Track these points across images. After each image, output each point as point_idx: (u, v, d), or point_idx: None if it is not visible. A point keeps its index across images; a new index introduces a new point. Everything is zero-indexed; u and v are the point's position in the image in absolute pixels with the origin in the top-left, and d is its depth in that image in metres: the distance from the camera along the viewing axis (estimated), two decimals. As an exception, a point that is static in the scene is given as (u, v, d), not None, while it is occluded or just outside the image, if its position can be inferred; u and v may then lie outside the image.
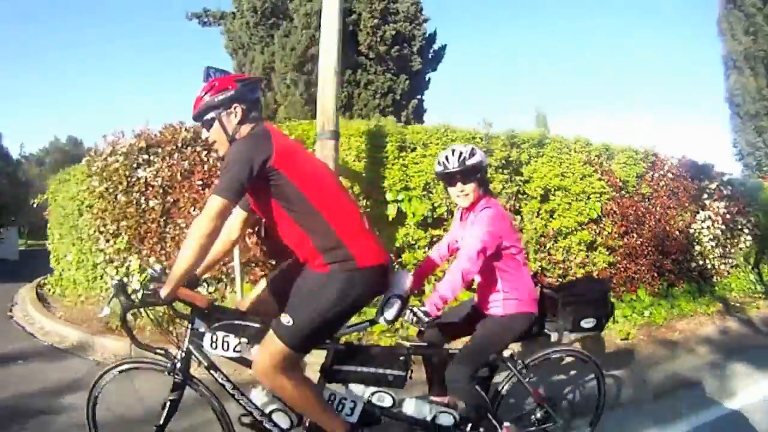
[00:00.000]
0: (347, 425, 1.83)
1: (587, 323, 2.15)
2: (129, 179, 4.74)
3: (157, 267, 1.87)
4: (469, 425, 2.01)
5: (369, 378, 1.89)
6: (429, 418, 1.96)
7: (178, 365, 1.83)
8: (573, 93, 54.83)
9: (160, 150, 4.71)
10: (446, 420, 1.99)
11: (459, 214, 2.26)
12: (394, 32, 11.87)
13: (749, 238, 7.62)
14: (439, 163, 2.20)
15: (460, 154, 2.11)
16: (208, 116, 1.82)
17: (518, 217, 5.44)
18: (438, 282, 2.13)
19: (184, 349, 1.84)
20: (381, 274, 1.82)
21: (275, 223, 1.80)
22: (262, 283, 1.98)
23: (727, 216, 7.24)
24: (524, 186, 5.47)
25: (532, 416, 2.20)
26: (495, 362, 2.12)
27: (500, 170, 5.32)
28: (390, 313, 1.85)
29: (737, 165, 17.06)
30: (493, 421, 2.00)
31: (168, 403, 1.83)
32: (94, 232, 4.98)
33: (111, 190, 4.81)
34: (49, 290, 6.55)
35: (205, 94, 1.82)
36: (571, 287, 2.31)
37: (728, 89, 16.90)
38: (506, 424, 2.04)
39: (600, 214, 5.91)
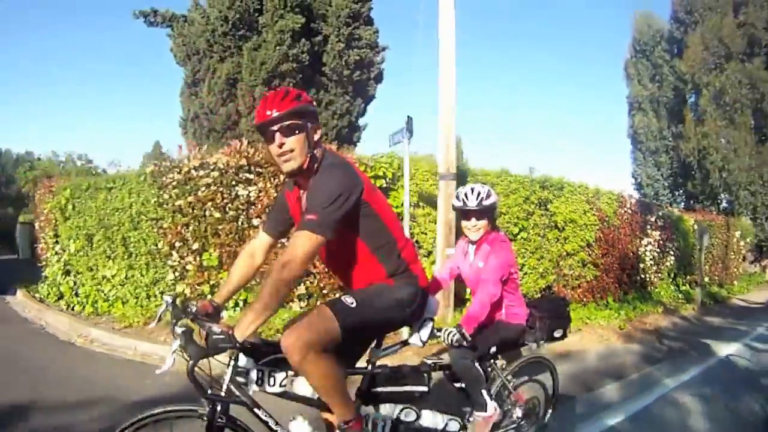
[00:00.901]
0: (358, 415, 1.85)
1: (558, 333, 2.64)
2: (224, 196, 4.95)
3: (168, 298, 1.76)
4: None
5: (400, 396, 2.01)
6: (441, 428, 2.20)
7: (219, 408, 1.68)
8: (488, 121, 61.70)
9: (262, 170, 5.03)
10: (454, 427, 2.25)
11: (464, 245, 2.63)
12: (357, 58, 12.83)
13: (673, 258, 10.49)
14: (458, 198, 2.54)
15: (479, 194, 2.45)
16: (293, 122, 1.69)
17: (543, 241, 6.99)
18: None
19: (225, 389, 1.70)
20: (427, 295, 1.97)
21: (340, 249, 1.78)
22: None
23: (660, 242, 9.95)
24: (551, 219, 7.08)
25: (514, 415, 2.56)
26: (488, 366, 2.48)
27: (539, 207, 6.84)
28: (425, 335, 2.00)
29: (635, 194, 21.60)
30: (485, 397, 2.32)
31: None
32: (163, 246, 5.00)
33: (198, 206, 4.92)
34: (51, 298, 6.39)
35: (298, 96, 1.74)
36: (541, 304, 2.75)
37: (632, 127, 21.53)
38: (494, 404, 2.36)
39: (592, 239, 7.81)
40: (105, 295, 5.97)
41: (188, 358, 1.57)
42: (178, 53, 13.59)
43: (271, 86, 12.20)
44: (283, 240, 2.05)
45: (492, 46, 64.63)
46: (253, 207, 5.13)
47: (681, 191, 20.07)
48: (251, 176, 5.19)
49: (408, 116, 4.88)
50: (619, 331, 6.77)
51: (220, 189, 5.12)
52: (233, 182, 5.14)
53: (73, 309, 6.23)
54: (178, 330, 1.59)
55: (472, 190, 2.48)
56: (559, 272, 7.66)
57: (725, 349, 5.78)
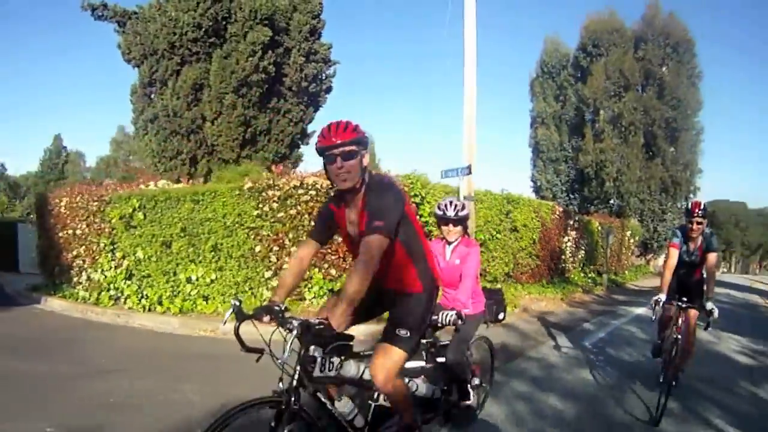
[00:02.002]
0: (416, 422, 2.47)
1: (501, 316, 3.61)
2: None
3: (237, 302, 2.15)
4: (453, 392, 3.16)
5: (407, 371, 2.65)
6: (431, 395, 2.89)
7: (293, 396, 1.99)
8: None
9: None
10: (438, 394, 2.96)
11: (440, 246, 3.37)
12: (314, 71, 15.00)
13: (583, 252, 14.37)
14: (439, 209, 3.31)
15: (456, 206, 3.26)
16: (352, 148, 2.19)
17: (507, 240, 10.32)
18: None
19: (296, 377, 2.03)
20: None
21: (385, 253, 2.19)
22: (331, 302, 2.51)
23: (576, 239, 13.72)
24: (511, 224, 10.19)
25: (473, 383, 3.33)
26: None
27: (505, 216, 9.91)
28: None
29: (533, 195, 26.28)
30: (470, 389, 3.27)
31: None
32: (261, 250, 6.86)
33: (297, 217, 6.82)
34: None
35: (356, 128, 2.24)
36: (487, 293, 3.56)
37: (534, 138, 26.26)
38: (473, 392, 3.28)
39: (536, 238, 11.09)
40: (186, 295, 7.27)
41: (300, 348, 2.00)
42: (133, 51, 14.17)
43: (239, 94, 13.82)
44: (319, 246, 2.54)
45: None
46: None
47: (576, 195, 24.95)
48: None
49: (469, 165, 7.91)
50: (562, 301, 10.16)
51: (317, 204, 6.73)
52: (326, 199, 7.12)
53: (150, 309, 7.27)
54: (297, 323, 1.95)
55: (451, 203, 3.28)
56: (516, 262, 10.86)
57: (636, 310, 9.50)
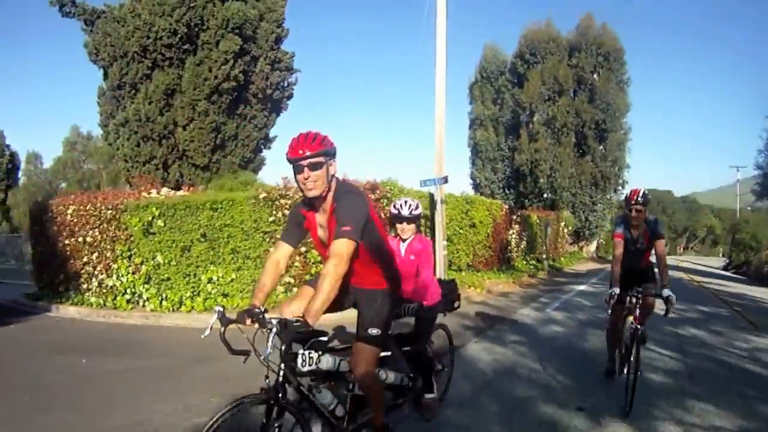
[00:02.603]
0: (386, 424, 2.87)
1: (456, 305, 3.99)
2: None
3: (220, 308, 2.36)
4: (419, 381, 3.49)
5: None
6: (399, 382, 3.25)
7: (280, 391, 2.26)
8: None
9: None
10: (405, 381, 3.32)
11: (395, 243, 3.61)
12: (279, 79, 16.27)
13: (525, 242, 16.86)
14: (394, 207, 3.62)
15: (410, 206, 3.58)
16: (319, 160, 2.43)
17: (467, 234, 12.21)
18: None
19: (281, 373, 2.28)
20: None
21: (353, 254, 2.45)
22: (305, 290, 2.77)
23: (519, 232, 16.15)
24: (470, 221, 12.24)
25: (435, 368, 3.73)
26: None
27: (465, 214, 11.91)
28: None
29: (471, 191, 28.53)
30: (434, 381, 3.59)
31: (281, 428, 2.26)
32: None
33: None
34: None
35: (323, 140, 2.48)
36: (443, 285, 3.90)
37: (473, 139, 28.82)
38: (436, 385, 3.61)
39: (489, 232, 13.26)
40: (207, 293, 8.28)
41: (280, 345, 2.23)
42: (101, 52, 14.62)
43: (211, 101, 14.78)
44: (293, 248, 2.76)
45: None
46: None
47: (512, 191, 27.60)
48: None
49: (446, 176, 9.57)
50: (514, 284, 12.36)
51: None
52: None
53: (173, 310, 8.19)
54: (277, 320, 2.20)
55: (405, 202, 3.58)
56: (474, 253, 12.93)
57: (578, 287, 12.13)
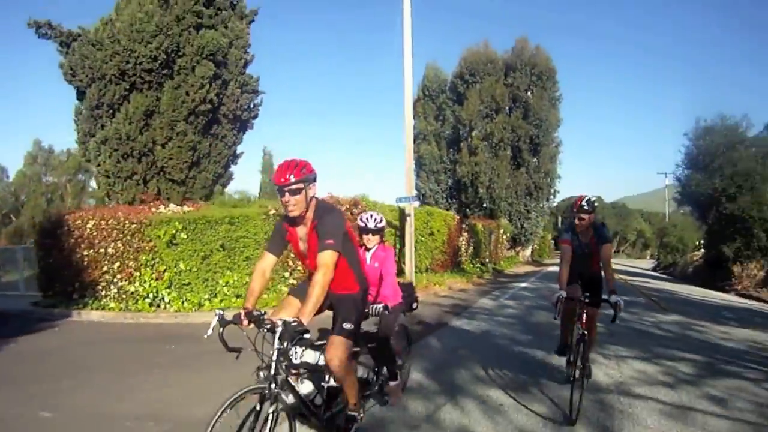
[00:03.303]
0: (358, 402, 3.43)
1: (414, 306, 4.61)
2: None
3: (220, 312, 2.86)
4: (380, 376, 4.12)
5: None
6: (365, 377, 3.93)
7: (274, 382, 2.72)
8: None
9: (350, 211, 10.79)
10: (371, 376, 4.05)
11: (361, 252, 4.05)
12: (247, 101, 18.20)
13: (472, 248, 19.88)
14: (361, 220, 4.27)
15: (375, 219, 4.25)
16: (299, 186, 3.00)
17: (428, 241, 14.89)
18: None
19: (275, 367, 2.73)
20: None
21: None
22: (289, 300, 3.31)
23: (468, 238, 19.19)
24: (430, 230, 15.00)
25: (398, 362, 4.33)
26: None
27: (426, 224, 14.65)
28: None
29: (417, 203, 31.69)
30: (396, 370, 4.23)
31: (275, 415, 2.71)
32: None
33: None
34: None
35: (303, 168, 3.04)
36: (402, 287, 4.48)
37: (417, 153, 31.54)
38: (399, 361, 4.34)
39: (445, 240, 16.12)
40: (223, 295, 9.99)
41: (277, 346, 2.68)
42: (79, 74, 15.81)
43: (188, 122, 16.30)
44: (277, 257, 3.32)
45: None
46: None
47: (454, 201, 30.75)
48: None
49: (417, 195, 11.77)
50: (468, 282, 15.12)
51: None
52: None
53: (196, 310, 9.77)
54: (284, 320, 2.68)
55: (371, 216, 4.24)
56: (433, 257, 15.60)
57: (521, 284, 15.23)
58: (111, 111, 16.35)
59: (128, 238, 10.60)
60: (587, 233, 4.61)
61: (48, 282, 11.82)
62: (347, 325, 3.21)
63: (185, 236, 10.37)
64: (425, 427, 3.84)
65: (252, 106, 19.01)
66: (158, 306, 10.33)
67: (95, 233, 10.85)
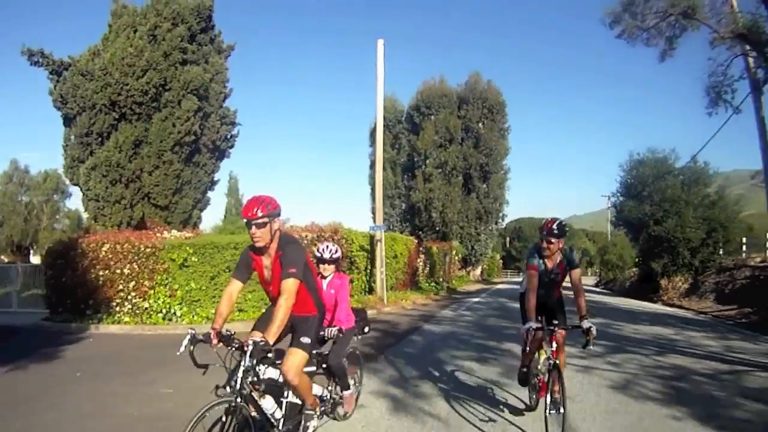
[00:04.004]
0: (315, 398, 4.08)
1: (366, 330, 4.98)
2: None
3: (192, 330, 3.31)
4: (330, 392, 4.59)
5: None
6: (320, 394, 4.38)
7: (239, 396, 3.17)
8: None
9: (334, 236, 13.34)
10: (326, 394, 4.50)
11: (318, 280, 4.34)
12: (226, 132, 20.50)
13: (428, 268, 22.99)
14: (318, 251, 4.69)
15: (330, 250, 4.68)
16: (264, 220, 3.51)
17: (392, 263, 17.80)
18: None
19: (240, 383, 3.18)
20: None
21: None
22: (255, 333, 3.56)
23: (425, 260, 22.29)
24: (395, 253, 17.95)
25: (352, 380, 4.88)
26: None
27: (391, 248, 17.62)
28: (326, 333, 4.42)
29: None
30: (349, 381, 4.73)
31: (240, 427, 3.17)
32: None
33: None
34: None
35: (269, 204, 3.56)
36: (355, 312, 4.93)
37: (374, 178, 34.16)
38: (351, 381, 4.82)
39: (406, 261, 19.13)
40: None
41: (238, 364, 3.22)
42: (69, 102, 17.95)
43: (174, 151, 18.35)
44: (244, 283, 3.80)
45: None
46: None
47: (408, 224, 33.78)
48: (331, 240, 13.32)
49: (385, 226, 14.46)
50: (428, 299, 18.02)
51: (308, 247, 12.41)
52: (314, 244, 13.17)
53: (206, 322, 11.08)
54: (257, 344, 3.17)
55: (327, 247, 4.71)
56: (396, 277, 18.38)
57: (474, 299, 18.26)
58: (100, 138, 18.51)
59: (143, 260, 12.32)
60: (555, 258, 4.58)
61: (58, 299, 13.27)
62: (304, 339, 3.76)
63: (196, 259, 12.37)
64: (422, 384, 6.27)
65: (229, 136, 21.64)
66: (170, 320, 12.35)
67: (111, 256, 12.46)
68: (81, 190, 18.73)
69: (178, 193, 19.02)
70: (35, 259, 34.61)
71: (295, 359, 3.68)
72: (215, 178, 21.25)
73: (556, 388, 4.12)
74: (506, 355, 7.90)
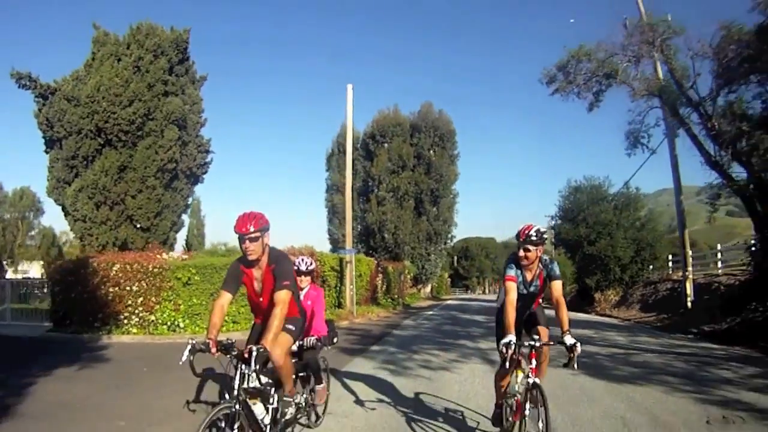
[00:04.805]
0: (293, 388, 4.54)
1: (335, 340, 5.43)
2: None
3: (192, 341, 3.63)
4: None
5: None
6: (297, 401, 4.76)
7: (238, 402, 3.50)
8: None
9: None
10: (300, 399, 4.88)
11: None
12: (202, 160, 23.10)
13: (385, 286, 26.46)
14: (295, 264, 4.98)
15: (306, 262, 5.25)
16: (257, 235, 3.90)
17: (358, 282, 21.17)
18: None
19: (238, 388, 3.53)
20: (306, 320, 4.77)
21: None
22: (255, 332, 4.37)
23: (382, 279, 25.82)
24: (360, 272, 21.35)
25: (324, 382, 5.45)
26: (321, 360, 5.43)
27: (357, 268, 21.02)
28: (306, 342, 4.97)
29: (328, 245, 37.63)
30: (322, 377, 5.34)
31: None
32: None
33: None
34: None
35: (260, 219, 3.94)
36: (326, 323, 5.49)
37: (330, 201, 37.89)
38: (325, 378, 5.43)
39: (368, 280, 22.59)
40: (224, 321, 14.69)
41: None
42: (56, 126, 20.01)
43: (156, 177, 20.65)
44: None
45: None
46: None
47: (363, 245, 36.47)
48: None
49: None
50: (388, 313, 21.37)
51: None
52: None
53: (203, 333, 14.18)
54: (259, 349, 3.60)
55: (303, 260, 5.28)
56: (361, 294, 21.57)
57: (428, 313, 21.90)
58: (85, 162, 20.50)
59: (151, 279, 14.38)
60: (533, 269, 4.41)
61: (66, 313, 14.91)
62: (290, 326, 4.24)
63: (198, 278, 14.82)
64: (406, 362, 9.26)
65: (203, 163, 24.08)
66: (174, 330, 14.83)
67: (121, 274, 14.40)
68: (68, 210, 20.45)
69: (158, 216, 21.00)
70: (11, 275, 35.25)
71: (282, 340, 4.11)
72: (189, 201, 23.50)
73: (545, 413, 3.80)
74: (460, 347, 11.14)
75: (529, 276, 4.49)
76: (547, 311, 4.89)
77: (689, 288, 19.11)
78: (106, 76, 20.37)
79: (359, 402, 6.31)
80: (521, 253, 4.34)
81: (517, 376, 4.30)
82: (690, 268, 19.72)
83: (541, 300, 4.81)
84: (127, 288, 14.59)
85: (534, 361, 4.05)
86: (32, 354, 11.35)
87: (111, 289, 14.54)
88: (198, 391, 5.71)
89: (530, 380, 3.99)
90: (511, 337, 4.05)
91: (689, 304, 18.76)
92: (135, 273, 14.81)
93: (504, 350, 4.01)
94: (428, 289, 41.89)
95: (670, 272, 26.00)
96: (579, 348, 3.98)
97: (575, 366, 4.04)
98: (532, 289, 4.53)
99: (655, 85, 16.31)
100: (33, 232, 35.27)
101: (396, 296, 27.63)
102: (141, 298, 14.54)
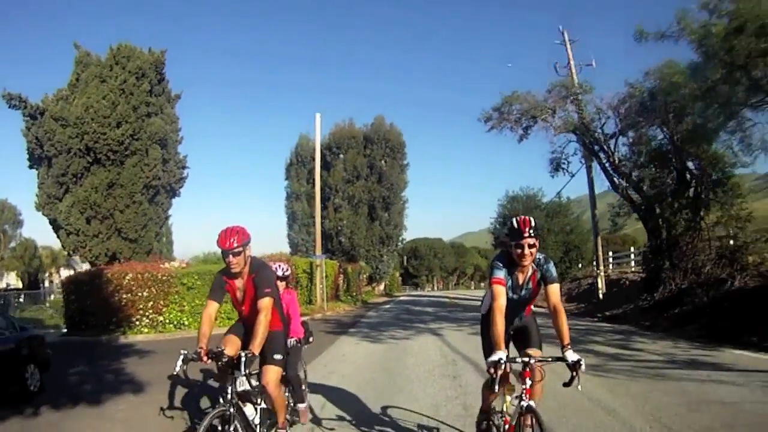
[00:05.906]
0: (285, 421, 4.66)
1: (311, 339, 6.02)
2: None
3: (185, 351, 3.81)
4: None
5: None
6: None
7: (232, 405, 3.80)
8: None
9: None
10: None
11: None
12: (180, 175, 26.52)
13: (346, 285, 31.08)
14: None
15: (282, 268, 5.60)
16: (240, 249, 4.12)
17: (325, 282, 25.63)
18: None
19: (231, 392, 3.87)
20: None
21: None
22: (230, 339, 4.52)
23: (344, 278, 30.40)
24: (327, 274, 25.88)
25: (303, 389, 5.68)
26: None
27: (325, 271, 25.54)
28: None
29: (288, 249, 41.09)
30: (303, 395, 5.58)
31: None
32: None
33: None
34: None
35: (242, 234, 4.18)
36: (301, 324, 5.77)
37: (290, 209, 41.64)
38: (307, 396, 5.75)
39: (334, 279, 27.20)
40: (221, 319, 14.82)
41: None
42: (45, 146, 22.55)
43: (142, 192, 24.02)
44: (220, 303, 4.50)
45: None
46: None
47: (323, 248, 40.27)
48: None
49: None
50: (351, 308, 25.85)
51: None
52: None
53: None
54: (242, 354, 3.81)
55: (280, 266, 5.63)
56: (330, 291, 25.92)
57: (386, 306, 26.43)
58: (75, 179, 22.98)
59: (160, 285, 17.26)
60: (527, 270, 3.81)
61: (81, 319, 17.43)
62: (277, 356, 4.51)
63: (200, 283, 18.37)
64: (378, 336, 13.36)
65: (181, 178, 27.19)
66: (179, 328, 18.19)
67: (133, 283, 17.01)
68: (61, 224, 23.03)
69: (144, 228, 23.63)
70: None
71: (272, 373, 4.45)
72: (168, 213, 26.56)
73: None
74: (415, 327, 15.48)
75: (520, 278, 3.89)
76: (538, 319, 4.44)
77: (601, 283, 24.08)
78: (93, 98, 22.62)
79: (353, 361, 9.89)
80: (523, 251, 3.63)
81: (505, 396, 3.76)
82: (602, 267, 24.72)
83: (533, 306, 4.31)
84: (139, 294, 17.17)
85: (528, 381, 3.47)
86: (75, 353, 12.53)
87: (124, 296, 17.05)
88: (170, 397, 6.72)
89: (524, 403, 3.43)
90: (501, 355, 3.37)
91: (601, 295, 23.63)
92: (146, 281, 17.44)
93: (492, 370, 3.32)
94: (382, 287, 46.53)
95: (594, 270, 31.83)
96: (584, 366, 3.36)
97: (579, 386, 3.35)
98: (523, 293, 3.97)
99: (572, 124, 20.76)
100: (12, 244, 36.83)
101: (355, 293, 32.06)
102: (151, 302, 17.20)
